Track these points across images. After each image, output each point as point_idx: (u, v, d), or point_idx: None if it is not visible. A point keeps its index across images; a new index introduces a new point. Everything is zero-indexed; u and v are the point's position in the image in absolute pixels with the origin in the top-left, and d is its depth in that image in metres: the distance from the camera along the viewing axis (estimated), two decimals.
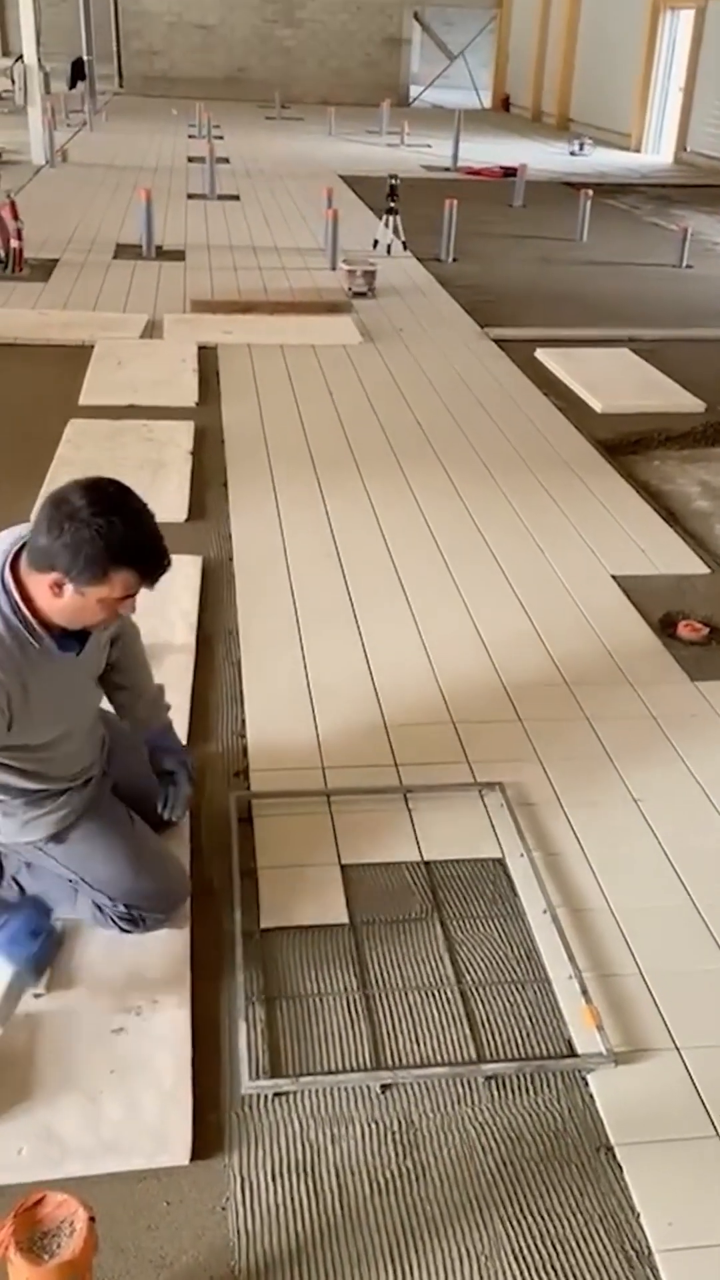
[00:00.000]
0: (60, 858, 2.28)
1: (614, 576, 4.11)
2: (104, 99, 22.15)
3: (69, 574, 1.92)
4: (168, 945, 2.33)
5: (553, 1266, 1.81)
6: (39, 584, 1.96)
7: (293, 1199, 1.89)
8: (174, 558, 4.26)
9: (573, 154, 17.93)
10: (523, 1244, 1.84)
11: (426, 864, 2.65)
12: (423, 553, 4.22)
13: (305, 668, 3.41)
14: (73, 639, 2.10)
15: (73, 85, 20.96)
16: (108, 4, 25.15)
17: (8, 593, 1.98)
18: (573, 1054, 2.16)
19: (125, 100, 23.99)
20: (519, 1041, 2.20)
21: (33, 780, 2.19)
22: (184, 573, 3.90)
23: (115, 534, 1.89)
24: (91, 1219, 1.48)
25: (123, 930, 2.31)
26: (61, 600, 1.97)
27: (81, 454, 4.92)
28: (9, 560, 1.99)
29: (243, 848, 2.64)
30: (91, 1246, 1.47)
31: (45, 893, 2.30)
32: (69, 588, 1.94)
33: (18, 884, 2.35)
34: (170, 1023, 2.16)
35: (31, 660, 2.03)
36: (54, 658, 2.07)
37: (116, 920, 2.30)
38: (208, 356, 6.47)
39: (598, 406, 6.00)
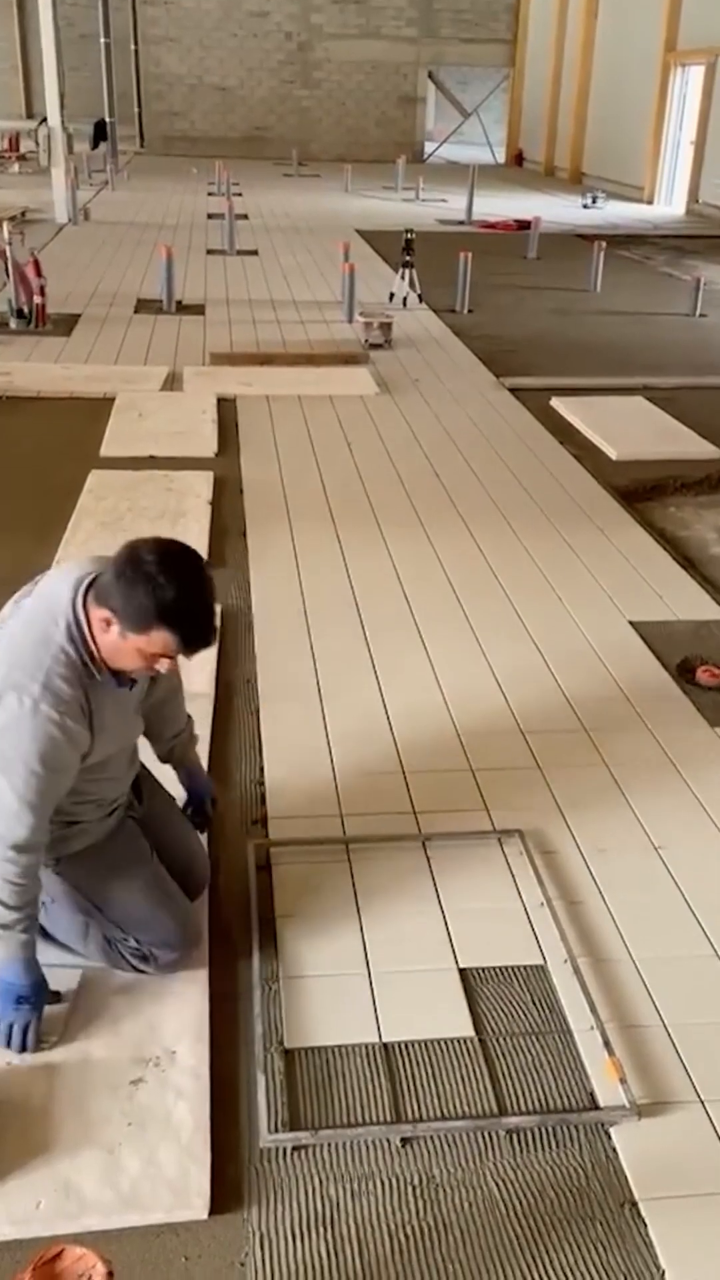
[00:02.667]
0: (78, 880, 2.29)
1: (631, 623, 4.12)
2: (125, 158, 22.69)
3: (117, 615, 2.02)
4: (186, 994, 2.32)
5: None
6: (96, 616, 2.07)
7: (312, 1255, 1.87)
8: None
9: (585, 207, 18.20)
10: None
11: (445, 913, 2.63)
12: (440, 600, 4.24)
13: (323, 716, 3.42)
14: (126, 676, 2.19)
15: (95, 145, 21.51)
16: (130, 67, 25.85)
17: (77, 623, 2.09)
18: (595, 1107, 2.13)
19: (146, 160, 24.55)
20: (541, 1094, 2.17)
21: (71, 798, 2.21)
22: None
23: (167, 595, 1.98)
24: (110, 1274, 1.46)
25: (135, 969, 2.32)
26: (108, 636, 2.07)
27: (103, 504, 4.98)
28: (83, 592, 2.09)
29: (261, 895, 2.63)
30: None
31: (60, 931, 2.33)
32: (115, 628, 2.04)
33: (40, 927, 2.34)
34: (189, 1074, 2.14)
35: (94, 684, 2.13)
36: (110, 687, 2.16)
37: (128, 957, 2.31)
38: (227, 408, 6.56)
39: (613, 454, 6.04)
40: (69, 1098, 2.10)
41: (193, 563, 2.07)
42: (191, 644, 2.05)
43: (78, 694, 2.08)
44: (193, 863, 2.54)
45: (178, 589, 1.98)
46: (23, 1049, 2.16)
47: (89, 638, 2.08)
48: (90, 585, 2.08)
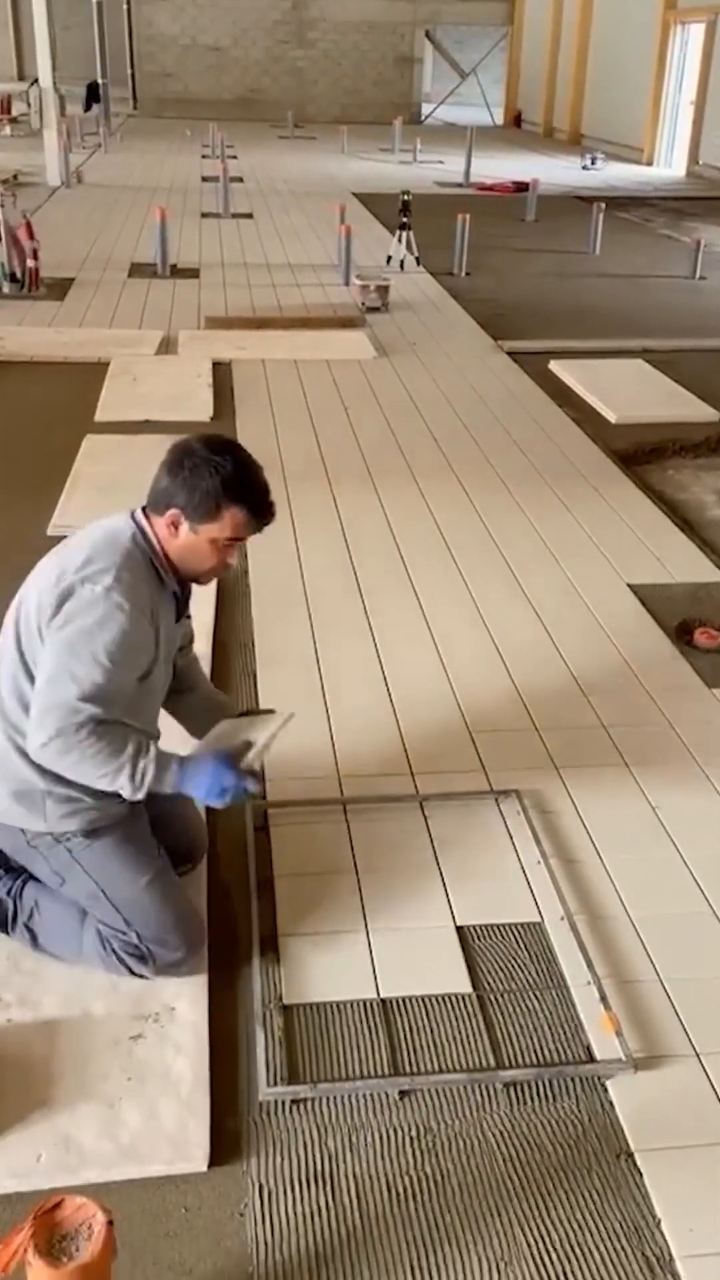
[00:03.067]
0: (87, 863, 2.21)
1: (630, 585, 4.11)
2: (118, 121, 22.41)
3: (185, 510, 2.08)
4: None
5: (573, 1273, 1.79)
6: (159, 525, 2.12)
7: (311, 1206, 1.88)
8: None
9: (585, 168, 18.01)
10: (543, 1251, 1.82)
11: (443, 872, 2.64)
12: (437, 564, 4.23)
13: (320, 678, 3.41)
14: (178, 599, 2.25)
15: (88, 108, 21.25)
16: (122, 28, 25.46)
17: (141, 531, 2.12)
18: (592, 1060, 2.15)
19: (139, 122, 24.25)
20: (538, 1048, 2.19)
21: (115, 720, 2.16)
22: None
23: (229, 472, 2.07)
24: (110, 1222, 1.48)
25: (130, 971, 2.22)
26: (177, 539, 2.12)
27: (98, 468, 4.95)
28: (139, 510, 2.16)
29: (259, 856, 2.64)
30: (110, 1249, 1.47)
31: (52, 937, 2.28)
32: (184, 526, 2.10)
33: (29, 931, 2.30)
34: (188, 1030, 2.16)
35: (160, 592, 2.15)
36: (168, 603, 2.19)
37: (123, 956, 2.22)
38: (222, 372, 6.51)
39: (612, 417, 6.01)
40: (69, 1054, 2.11)
41: (237, 444, 2.16)
42: (261, 514, 2.14)
43: (147, 593, 2.11)
44: (189, 830, 2.51)
45: (235, 465, 2.09)
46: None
47: (155, 544, 2.13)
48: (141, 509, 2.15)
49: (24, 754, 2.14)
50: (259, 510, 2.13)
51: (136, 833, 2.28)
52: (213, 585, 3.94)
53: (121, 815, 2.25)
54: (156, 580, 2.15)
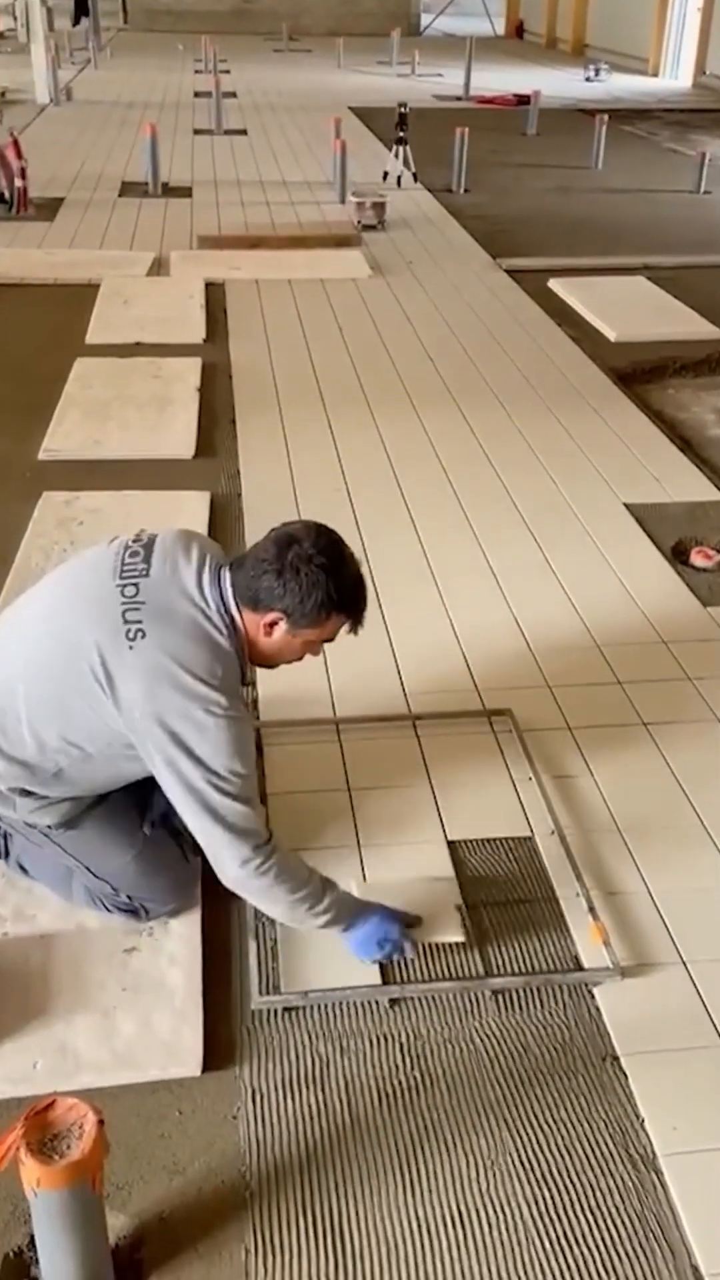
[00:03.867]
0: (66, 845, 2.17)
1: (626, 505, 4.07)
2: (108, 35, 21.74)
3: (289, 615, 1.98)
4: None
5: (558, 1170, 1.84)
6: (253, 622, 2.01)
7: (303, 1108, 1.93)
8: (182, 494, 4.25)
9: (588, 80, 17.50)
10: (528, 1150, 1.87)
11: (435, 789, 2.66)
12: (433, 485, 4.19)
13: None
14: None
15: (76, 22, 20.57)
16: None
17: (236, 630, 2.01)
18: (580, 968, 2.18)
19: (130, 36, 23.52)
20: (526, 958, 2.22)
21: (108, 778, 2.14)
22: (192, 509, 3.90)
23: (345, 582, 1.99)
24: (100, 1122, 1.51)
25: (123, 915, 2.21)
26: (270, 639, 2.02)
27: (89, 392, 4.89)
28: (229, 596, 2.00)
29: None
30: (101, 1147, 1.50)
31: (42, 873, 2.27)
32: (282, 627, 2.00)
33: (22, 868, 2.30)
34: (181, 942, 2.19)
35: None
36: None
37: (112, 909, 2.21)
38: (215, 293, 6.39)
39: (612, 335, 5.90)
40: (65, 966, 2.14)
41: (338, 538, 2.04)
42: (361, 619, 2.06)
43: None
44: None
45: (347, 573, 2.00)
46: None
47: (244, 641, 2.03)
48: (225, 584, 2.00)
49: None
50: (360, 618, 2.06)
51: (117, 809, 2.19)
52: (205, 507, 3.93)
53: (96, 801, 2.18)
54: (243, 679, 2.06)
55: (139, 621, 1.93)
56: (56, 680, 1.99)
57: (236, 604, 2.00)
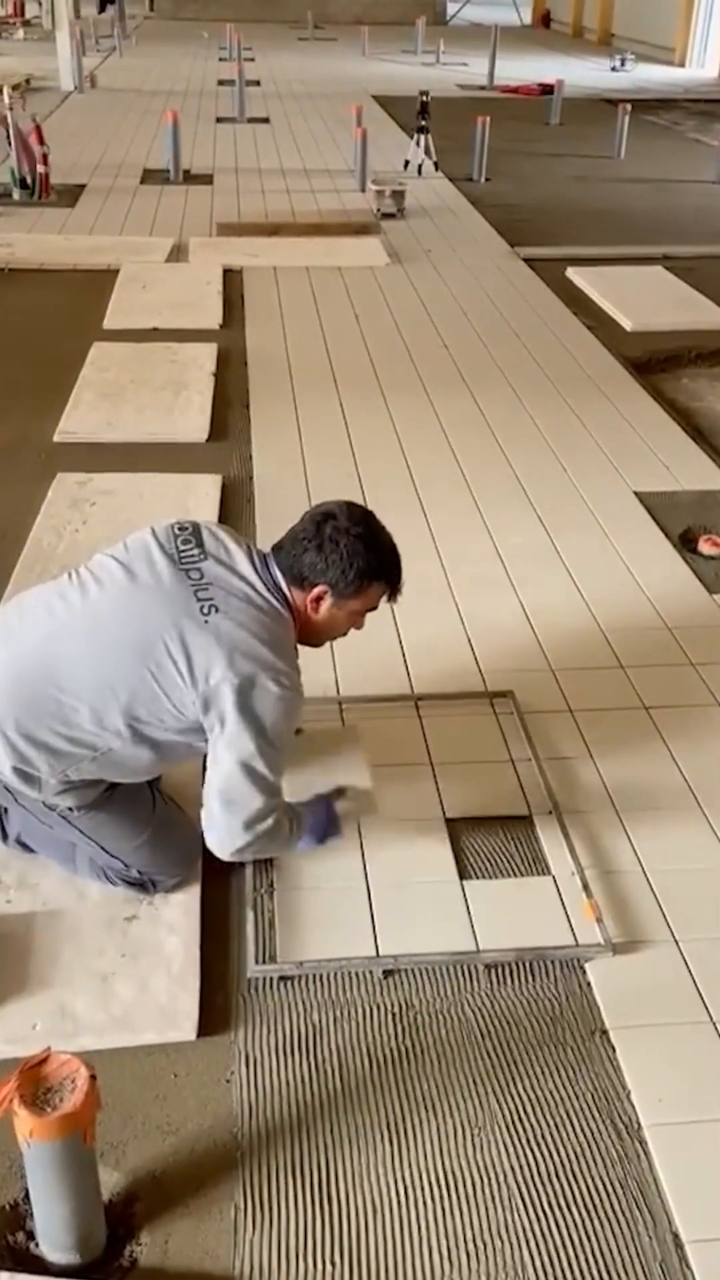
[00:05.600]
0: (83, 827, 2.18)
1: (636, 493, 4.08)
2: (134, 23, 21.77)
3: (334, 588, 2.07)
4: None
5: (544, 1138, 1.87)
6: (301, 599, 2.09)
7: (295, 1074, 1.97)
8: (194, 477, 4.28)
9: (614, 70, 17.42)
10: (516, 1118, 1.90)
11: (435, 768, 2.69)
12: (444, 472, 4.21)
13: None
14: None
15: (102, 9, 20.66)
16: None
17: (291, 608, 2.09)
18: (572, 944, 2.21)
19: (155, 25, 23.54)
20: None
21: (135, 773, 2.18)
22: (204, 491, 3.94)
23: (380, 549, 2.08)
24: (93, 1077, 1.55)
25: (129, 889, 2.25)
26: (318, 615, 2.11)
27: (105, 376, 4.93)
28: (280, 579, 2.08)
29: None
30: (93, 1101, 1.54)
31: (46, 847, 2.30)
32: (328, 601, 2.08)
33: (23, 844, 2.34)
34: (180, 911, 2.23)
35: None
36: None
37: (118, 883, 2.24)
38: (233, 280, 6.43)
39: (628, 324, 5.90)
40: (66, 932, 2.19)
41: (370, 512, 2.14)
42: (399, 586, 2.16)
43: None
44: None
45: (383, 539, 2.10)
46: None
47: (297, 621, 2.11)
48: (273, 565, 2.09)
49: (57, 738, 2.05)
50: (398, 583, 2.16)
51: (135, 789, 2.23)
52: (216, 490, 3.96)
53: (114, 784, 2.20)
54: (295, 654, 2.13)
55: (211, 600, 2.02)
56: (126, 662, 2.02)
57: (286, 583, 2.08)
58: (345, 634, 2.24)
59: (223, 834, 2.05)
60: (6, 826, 2.35)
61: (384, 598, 2.17)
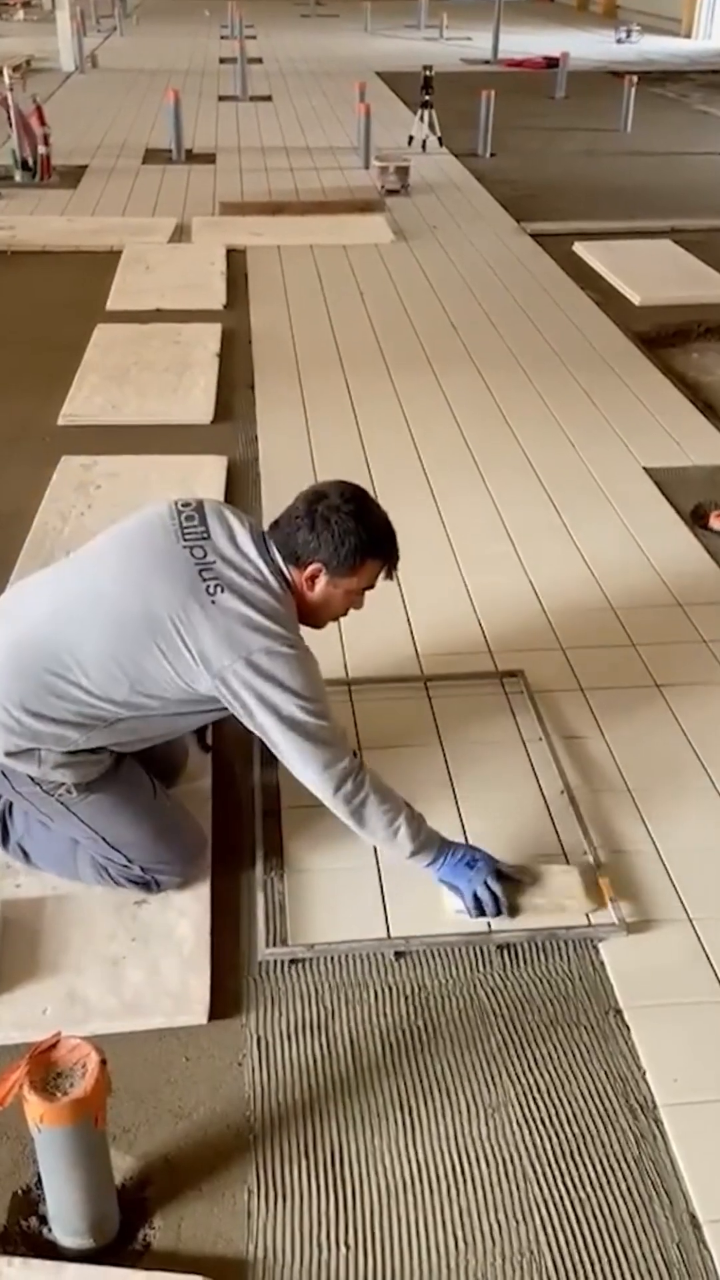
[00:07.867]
0: (82, 813, 2.16)
1: (646, 469, 4.04)
2: (135, 2, 21.58)
3: (328, 566, 2.06)
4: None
5: (559, 1118, 1.86)
6: (297, 577, 2.09)
7: (307, 1056, 1.95)
8: (199, 459, 4.26)
9: (619, 42, 17.20)
10: (530, 1099, 1.89)
11: (445, 749, 2.67)
12: (451, 450, 4.17)
13: None
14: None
15: None
16: None
17: (289, 586, 2.09)
18: (586, 924, 2.19)
19: (156, 3, 23.31)
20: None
21: (132, 733, 2.15)
22: (209, 473, 3.91)
23: (369, 524, 2.08)
24: (103, 1061, 1.54)
25: (132, 888, 2.22)
26: (313, 593, 2.11)
27: (109, 358, 4.90)
28: (277, 558, 2.08)
29: None
30: (103, 1086, 1.53)
31: (46, 857, 2.28)
32: (323, 579, 2.08)
33: (23, 851, 2.31)
34: (191, 895, 2.22)
35: None
36: None
37: (122, 881, 2.22)
38: (236, 259, 6.38)
39: (636, 299, 5.84)
40: (75, 918, 2.18)
41: (363, 490, 2.14)
42: (395, 563, 2.15)
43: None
44: (174, 755, 2.46)
45: (376, 516, 2.10)
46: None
47: (296, 598, 2.11)
48: (271, 544, 2.08)
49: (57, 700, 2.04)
50: (394, 560, 2.15)
51: (133, 778, 2.21)
52: (222, 471, 3.93)
53: (115, 764, 2.19)
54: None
55: (215, 578, 2.01)
56: (132, 637, 2.02)
57: (285, 561, 2.08)
58: (345, 614, 2.22)
59: (316, 786, 2.07)
60: (9, 828, 2.33)
61: (382, 575, 2.16)
